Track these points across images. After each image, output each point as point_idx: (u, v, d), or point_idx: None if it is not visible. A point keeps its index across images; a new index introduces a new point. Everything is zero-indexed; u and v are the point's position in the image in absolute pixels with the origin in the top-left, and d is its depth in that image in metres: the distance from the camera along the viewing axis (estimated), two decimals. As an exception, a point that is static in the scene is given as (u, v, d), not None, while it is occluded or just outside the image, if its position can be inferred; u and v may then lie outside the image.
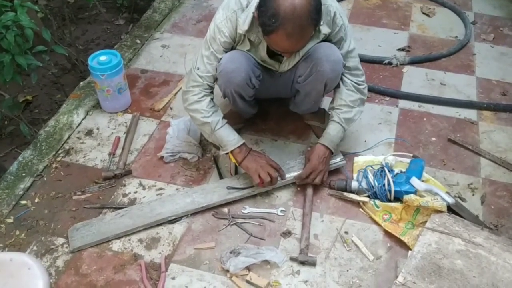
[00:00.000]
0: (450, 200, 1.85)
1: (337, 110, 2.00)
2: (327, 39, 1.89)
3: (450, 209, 1.86)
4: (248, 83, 1.90)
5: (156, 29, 3.03)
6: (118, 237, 1.86)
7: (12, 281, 1.13)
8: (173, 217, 1.91)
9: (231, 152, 1.93)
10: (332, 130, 2.00)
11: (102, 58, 2.30)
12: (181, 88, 2.54)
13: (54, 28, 2.69)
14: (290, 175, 2.01)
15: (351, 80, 1.98)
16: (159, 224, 1.90)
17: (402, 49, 2.85)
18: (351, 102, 1.98)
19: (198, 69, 1.90)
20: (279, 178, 1.97)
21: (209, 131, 1.93)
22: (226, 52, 1.87)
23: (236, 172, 2.07)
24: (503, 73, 2.69)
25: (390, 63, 2.72)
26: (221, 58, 1.86)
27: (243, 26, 1.77)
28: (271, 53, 1.89)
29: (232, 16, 1.80)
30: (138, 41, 2.90)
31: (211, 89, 1.94)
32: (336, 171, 2.10)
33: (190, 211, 1.93)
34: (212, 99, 1.94)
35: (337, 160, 2.07)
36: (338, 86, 2.00)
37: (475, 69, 2.72)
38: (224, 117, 1.96)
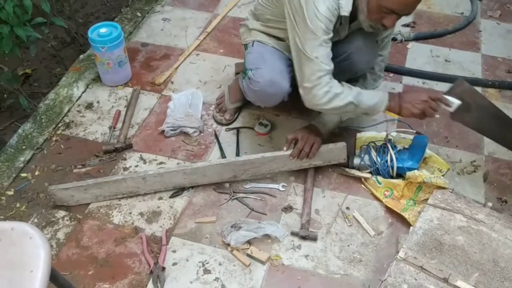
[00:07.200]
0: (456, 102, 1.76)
1: None
2: None
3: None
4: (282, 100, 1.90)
5: (157, 1, 2.97)
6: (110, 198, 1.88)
7: (13, 250, 1.13)
8: (176, 190, 1.91)
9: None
10: (327, 115, 1.98)
11: (102, 30, 2.26)
12: (182, 62, 2.52)
13: (53, 0, 2.64)
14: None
15: (378, 72, 1.99)
16: (160, 198, 1.90)
17: (407, 25, 2.81)
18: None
19: (317, 58, 1.63)
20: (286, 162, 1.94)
21: (353, 109, 1.73)
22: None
23: (238, 154, 2.07)
24: (508, 50, 2.65)
25: (394, 39, 2.67)
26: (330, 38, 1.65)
27: (346, 7, 1.60)
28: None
29: None
30: (139, 14, 2.85)
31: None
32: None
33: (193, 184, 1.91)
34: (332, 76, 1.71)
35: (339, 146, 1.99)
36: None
37: (481, 46, 2.68)
38: (228, 90, 1.92)
